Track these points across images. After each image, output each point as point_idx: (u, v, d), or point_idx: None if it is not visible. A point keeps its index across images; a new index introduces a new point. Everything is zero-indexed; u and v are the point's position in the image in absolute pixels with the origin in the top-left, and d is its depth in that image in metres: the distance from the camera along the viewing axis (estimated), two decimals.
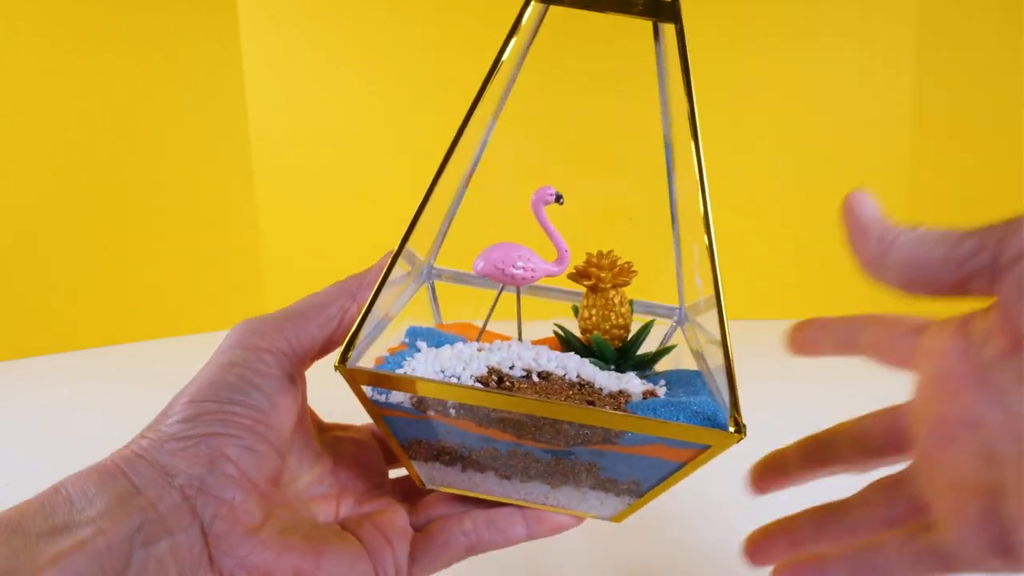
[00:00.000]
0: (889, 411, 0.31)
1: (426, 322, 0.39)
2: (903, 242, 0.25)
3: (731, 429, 0.24)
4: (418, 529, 0.30)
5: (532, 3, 0.30)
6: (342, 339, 0.29)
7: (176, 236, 1.05)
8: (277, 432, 0.27)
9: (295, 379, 0.28)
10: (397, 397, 0.27)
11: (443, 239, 0.40)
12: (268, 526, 0.26)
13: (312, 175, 1.08)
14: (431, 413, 0.27)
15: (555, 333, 0.36)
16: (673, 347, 0.35)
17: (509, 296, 0.36)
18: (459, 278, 0.41)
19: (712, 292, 0.26)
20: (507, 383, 0.29)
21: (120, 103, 0.98)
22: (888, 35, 0.95)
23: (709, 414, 0.26)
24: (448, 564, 0.29)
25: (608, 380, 0.30)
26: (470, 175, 0.38)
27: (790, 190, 1.02)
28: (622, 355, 0.34)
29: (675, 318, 0.40)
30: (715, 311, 0.26)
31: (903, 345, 0.28)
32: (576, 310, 0.37)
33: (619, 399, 0.29)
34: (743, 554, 0.31)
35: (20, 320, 0.95)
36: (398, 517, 0.30)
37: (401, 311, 0.36)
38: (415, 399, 0.27)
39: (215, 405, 0.26)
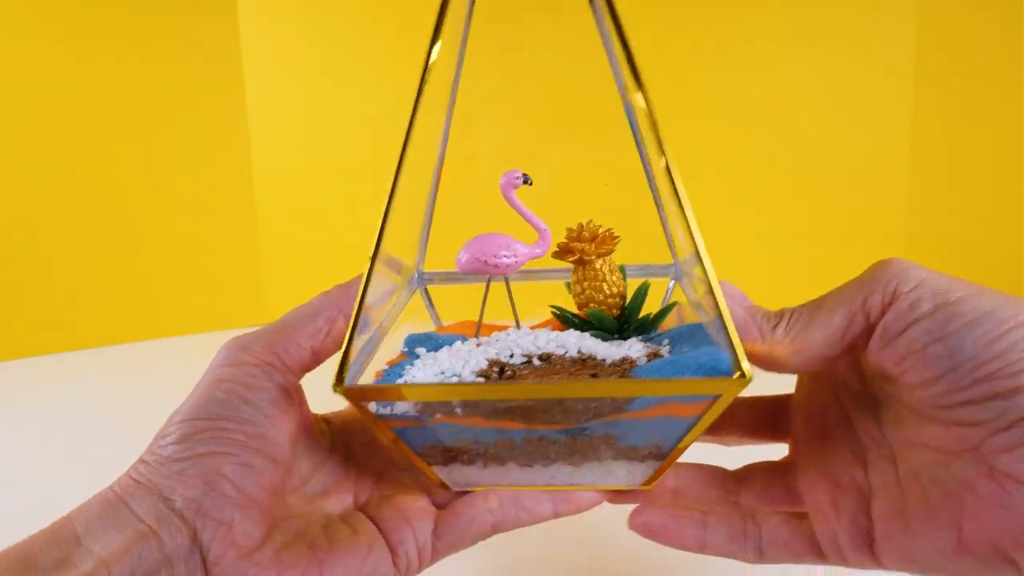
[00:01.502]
0: (772, 399, 0.33)
1: (426, 327, 0.39)
2: (782, 335, 0.26)
3: (736, 375, 0.24)
4: (440, 507, 0.30)
5: None
6: (331, 349, 0.29)
7: (176, 236, 1.05)
8: (273, 444, 0.26)
9: (288, 390, 0.28)
10: (402, 407, 0.27)
11: (426, 243, 0.40)
12: (268, 544, 0.26)
13: (312, 175, 1.08)
14: (438, 416, 0.27)
15: (553, 314, 0.36)
16: (674, 304, 0.35)
17: (500, 287, 0.36)
18: (450, 278, 0.41)
19: (692, 248, 0.26)
20: (508, 371, 0.29)
21: (120, 103, 0.98)
22: (888, 36, 0.95)
23: (713, 364, 0.26)
24: (474, 542, 0.29)
25: (610, 350, 0.30)
26: (439, 173, 0.38)
27: (790, 191, 1.02)
28: (623, 322, 0.34)
29: (672, 275, 0.40)
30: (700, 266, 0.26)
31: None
32: (569, 286, 0.37)
33: (623, 366, 0.29)
34: None
35: (20, 320, 0.95)
36: (419, 496, 0.30)
37: (397, 320, 0.35)
38: (420, 405, 0.27)
39: (206, 423, 0.25)
